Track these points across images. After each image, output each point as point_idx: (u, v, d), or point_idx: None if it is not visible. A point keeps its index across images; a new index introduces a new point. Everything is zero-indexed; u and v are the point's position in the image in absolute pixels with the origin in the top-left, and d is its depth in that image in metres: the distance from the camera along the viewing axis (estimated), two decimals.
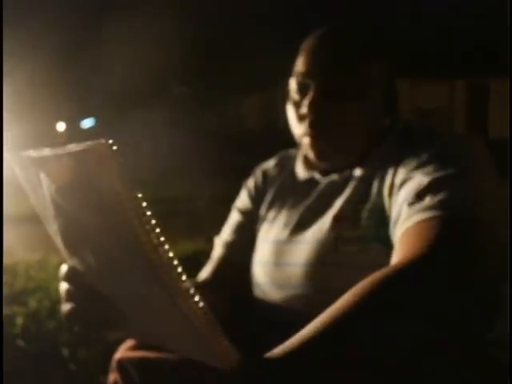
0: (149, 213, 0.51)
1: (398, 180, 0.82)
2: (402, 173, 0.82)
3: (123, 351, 0.83)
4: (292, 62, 0.96)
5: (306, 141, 0.93)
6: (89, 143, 0.50)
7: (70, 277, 0.70)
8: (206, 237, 3.11)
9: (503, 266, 0.68)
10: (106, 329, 0.70)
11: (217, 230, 1.13)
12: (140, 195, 0.51)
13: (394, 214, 0.78)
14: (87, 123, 16.84)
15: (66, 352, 2.05)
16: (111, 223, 0.54)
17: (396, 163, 0.85)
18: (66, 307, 0.71)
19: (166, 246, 0.52)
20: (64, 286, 0.71)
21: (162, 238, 0.52)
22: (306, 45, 0.94)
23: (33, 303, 2.64)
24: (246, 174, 1.14)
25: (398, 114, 0.97)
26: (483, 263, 0.64)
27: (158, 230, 0.52)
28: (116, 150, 0.49)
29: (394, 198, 0.81)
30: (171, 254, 0.53)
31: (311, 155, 0.94)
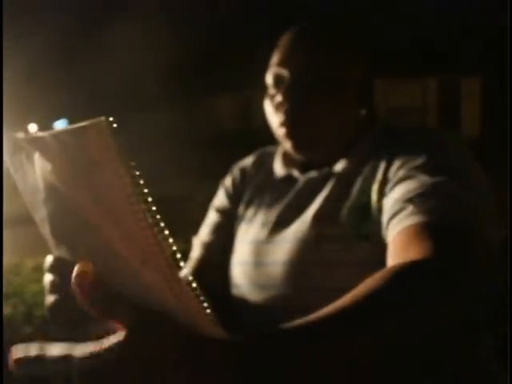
0: (146, 190, 0.51)
1: (392, 176, 0.81)
2: (397, 170, 0.81)
3: None
4: (268, 61, 0.97)
5: (282, 131, 0.93)
6: (88, 121, 0.50)
7: (55, 267, 0.68)
8: (184, 238, 3.09)
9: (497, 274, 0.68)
10: (90, 323, 0.67)
11: (194, 230, 1.12)
12: (138, 173, 0.50)
13: (388, 209, 0.77)
14: (60, 125, 16.62)
15: None
16: (108, 203, 0.53)
17: (385, 159, 0.85)
18: (49, 300, 0.69)
19: (162, 224, 0.51)
20: (48, 278, 0.69)
21: (158, 216, 0.51)
22: (283, 39, 0.95)
23: (8, 309, 2.59)
24: (222, 174, 1.13)
25: (373, 108, 0.98)
26: (479, 269, 0.63)
27: (154, 208, 0.51)
28: (116, 127, 0.49)
29: (388, 194, 0.80)
30: (170, 240, 0.52)
31: (288, 146, 0.94)
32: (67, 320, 0.69)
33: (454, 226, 0.68)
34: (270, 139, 1.00)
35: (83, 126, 0.50)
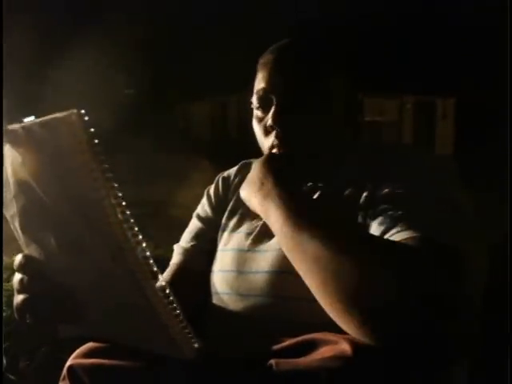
0: (116, 185, 0.50)
1: (378, 195, 0.82)
2: (383, 189, 0.82)
3: (74, 358, 0.79)
4: (245, 69, 0.96)
5: (275, 153, 0.92)
6: (59, 113, 0.49)
7: (24, 266, 0.67)
8: (155, 243, 3.07)
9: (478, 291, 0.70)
10: (59, 323, 0.68)
11: (166, 236, 1.10)
12: (107, 166, 0.50)
13: (373, 226, 0.78)
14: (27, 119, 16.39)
15: (6, 362, 1.95)
16: (79, 196, 0.52)
17: (371, 177, 0.85)
18: (18, 299, 0.68)
19: (132, 221, 0.51)
20: (17, 277, 0.68)
21: (128, 212, 0.51)
22: (265, 60, 0.94)
23: None
24: (197, 181, 1.12)
25: (359, 127, 0.99)
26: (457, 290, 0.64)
27: (124, 204, 0.51)
28: (87, 120, 0.49)
29: (373, 212, 0.81)
30: (138, 235, 0.52)
31: None
32: (36, 319, 0.68)
33: (437, 241, 0.69)
34: (245, 147, 1.00)
35: (54, 118, 0.50)
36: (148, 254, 0.53)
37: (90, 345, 0.79)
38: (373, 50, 14.30)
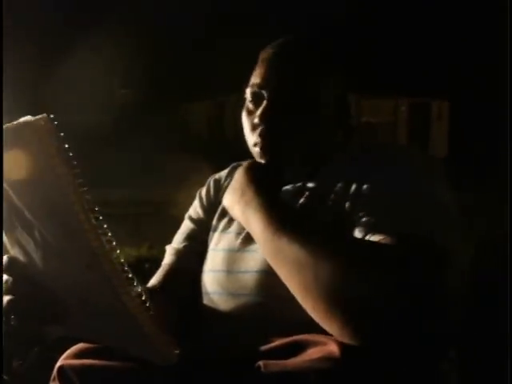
0: (85, 188, 0.50)
1: (365, 193, 0.82)
2: (369, 187, 0.82)
3: (64, 359, 0.80)
4: (243, 70, 0.97)
5: (256, 151, 0.93)
6: (28, 118, 0.49)
7: (10, 267, 0.67)
8: (149, 244, 3.06)
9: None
10: (45, 323, 0.68)
11: (160, 237, 1.11)
12: (78, 171, 0.50)
13: (359, 225, 0.79)
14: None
15: None
16: (51, 202, 0.53)
17: (358, 176, 0.86)
18: (4, 300, 0.68)
19: (105, 226, 0.51)
20: (4, 278, 0.68)
21: (101, 217, 0.51)
22: (263, 56, 0.96)
23: None
24: (192, 181, 1.12)
25: (350, 128, 0.99)
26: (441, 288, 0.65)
27: (96, 208, 0.51)
28: (56, 124, 0.49)
29: (360, 210, 0.81)
30: (112, 241, 0.52)
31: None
32: (19, 320, 0.68)
33: (421, 239, 0.69)
34: (240, 148, 1.00)
35: (23, 123, 0.50)
36: (122, 260, 0.53)
37: (80, 345, 0.79)
38: (368, 51, 14.33)
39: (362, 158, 0.90)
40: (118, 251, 0.52)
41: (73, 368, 0.77)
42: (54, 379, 0.79)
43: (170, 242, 1.09)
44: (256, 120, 0.91)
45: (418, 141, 14.75)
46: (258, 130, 0.91)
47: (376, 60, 14.24)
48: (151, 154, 9.70)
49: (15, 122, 0.51)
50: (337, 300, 0.64)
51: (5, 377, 1.85)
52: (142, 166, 8.92)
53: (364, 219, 0.77)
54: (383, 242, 0.71)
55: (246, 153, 1.02)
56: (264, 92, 0.92)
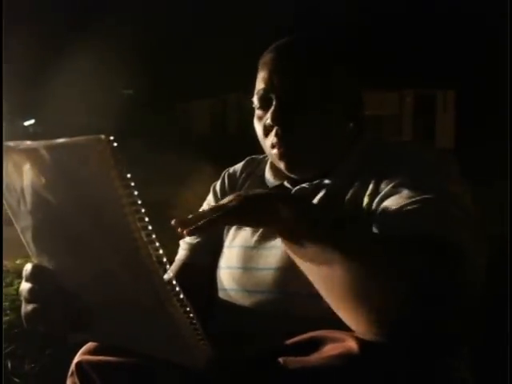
0: (143, 210, 0.52)
1: (383, 190, 0.82)
2: (387, 184, 0.82)
3: (81, 355, 0.81)
4: (245, 67, 0.96)
5: (274, 152, 0.93)
6: (87, 137, 0.50)
7: (35, 275, 0.68)
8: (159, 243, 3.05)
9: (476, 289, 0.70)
10: (70, 331, 0.69)
11: (164, 235, 1.10)
12: (136, 193, 0.51)
13: (377, 222, 0.79)
14: (28, 124, 16.45)
15: (11, 365, 1.95)
16: (102, 219, 0.54)
17: (375, 174, 0.86)
18: (28, 308, 0.69)
19: (157, 244, 0.53)
20: (27, 286, 0.68)
21: (153, 236, 0.53)
22: (265, 59, 0.95)
23: None
24: (195, 180, 1.12)
25: (360, 121, 0.98)
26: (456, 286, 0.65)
27: (150, 228, 0.52)
28: (116, 146, 0.49)
29: (378, 207, 0.81)
30: (161, 252, 0.53)
31: (281, 166, 0.94)
32: (47, 328, 0.69)
33: (438, 238, 0.69)
34: (243, 146, 0.99)
35: (83, 144, 0.50)
36: (165, 260, 0.54)
37: None
38: (373, 43, 14.28)
39: (375, 157, 0.90)
40: (165, 260, 0.54)
41: (91, 364, 0.78)
42: (71, 374, 0.80)
43: (174, 241, 1.08)
44: (268, 121, 0.91)
45: (424, 132, 14.71)
46: (273, 131, 0.91)
47: (380, 52, 14.18)
48: (152, 152, 9.72)
49: (70, 140, 0.51)
50: (364, 298, 0.64)
51: (16, 380, 1.86)
52: (143, 165, 8.93)
53: (383, 217, 0.78)
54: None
55: (247, 150, 1.01)
56: (271, 95, 0.91)
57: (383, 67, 14.02)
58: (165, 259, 0.54)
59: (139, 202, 0.51)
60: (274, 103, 0.91)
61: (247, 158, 1.11)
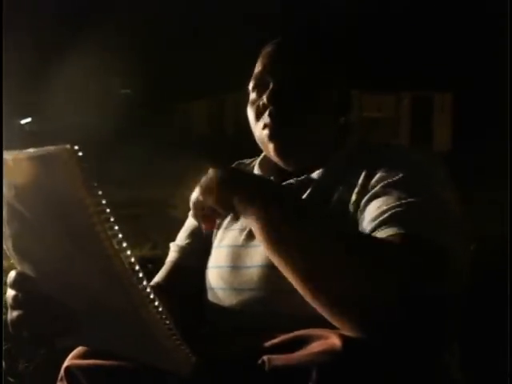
0: (112, 219, 0.51)
1: (370, 190, 0.83)
2: (375, 184, 0.83)
3: (71, 359, 0.81)
4: (245, 69, 0.97)
5: (265, 133, 0.93)
6: (53, 147, 0.50)
7: (18, 283, 0.68)
8: (152, 244, 3.06)
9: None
10: (56, 336, 0.69)
11: (163, 236, 1.10)
12: (104, 201, 0.51)
13: (363, 221, 0.80)
14: (25, 123, 16.47)
15: (5, 364, 1.95)
16: (73, 228, 0.54)
17: (362, 173, 0.86)
18: (13, 315, 0.69)
19: (128, 252, 0.52)
20: (11, 293, 0.69)
21: (125, 244, 0.52)
22: (265, 50, 0.98)
23: None
24: (194, 180, 1.12)
25: (349, 121, 1.00)
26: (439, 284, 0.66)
27: (120, 236, 0.52)
28: (82, 155, 0.49)
29: (365, 206, 0.82)
30: (133, 260, 0.53)
31: (270, 148, 0.94)
32: (32, 334, 0.69)
33: (424, 239, 0.70)
34: (240, 146, 1.00)
35: (49, 155, 0.50)
36: (141, 275, 0.55)
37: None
38: (370, 45, 14.31)
39: (363, 156, 0.90)
40: (138, 267, 0.54)
41: (80, 368, 0.77)
42: (61, 379, 0.80)
43: (171, 241, 1.10)
44: (264, 101, 0.92)
45: (421, 134, 14.74)
46: (267, 111, 0.92)
47: (377, 54, 14.22)
48: (151, 153, 9.72)
49: (37, 151, 0.51)
50: (340, 294, 0.65)
51: (11, 379, 1.86)
52: (141, 166, 8.93)
53: (369, 217, 0.78)
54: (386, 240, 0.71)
55: (246, 150, 1.01)
56: (268, 78, 0.93)
57: (381, 70, 14.04)
58: (137, 267, 0.54)
59: (108, 210, 0.51)
60: (270, 85, 0.92)
61: (236, 162, 1.12)
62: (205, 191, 0.78)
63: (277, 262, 0.72)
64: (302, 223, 0.70)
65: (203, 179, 0.79)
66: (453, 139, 15.07)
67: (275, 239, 0.71)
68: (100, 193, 0.51)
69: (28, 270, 0.67)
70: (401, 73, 14.16)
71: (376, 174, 0.84)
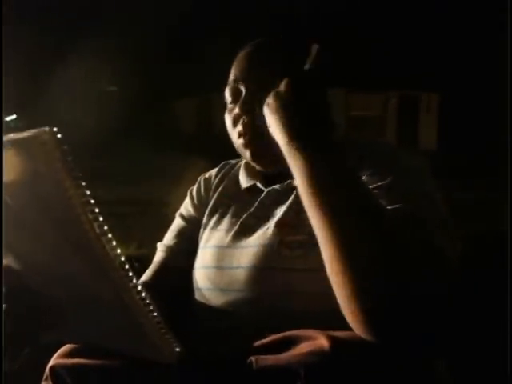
0: (93, 201, 0.51)
1: None
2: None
3: (56, 358, 0.80)
4: (228, 66, 0.97)
5: (240, 142, 0.94)
6: (32, 131, 0.49)
7: (1, 276, 0.67)
8: (138, 243, 3.05)
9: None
10: (42, 329, 0.69)
11: (149, 235, 1.10)
12: (84, 183, 0.50)
13: None
14: (10, 120, 16.34)
15: None
16: (54, 213, 0.53)
17: None
18: None
19: (110, 235, 0.52)
20: None
21: (106, 227, 0.52)
22: (239, 56, 0.98)
23: None
24: (181, 179, 1.12)
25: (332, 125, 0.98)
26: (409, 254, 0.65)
27: (101, 219, 0.51)
28: (60, 137, 0.49)
29: None
30: (114, 244, 0.53)
31: (247, 155, 0.95)
32: (17, 328, 0.68)
33: (421, 241, 0.69)
34: (228, 144, 1.00)
35: (26, 138, 0.49)
36: (125, 264, 0.54)
37: (72, 345, 0.79)
38: (359, 45, 14.35)
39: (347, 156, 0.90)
40: (122, 256, 0.54)
41: (65, 367, 0.77)
42: (46, 379, 0.79)
43: (157, 240, 1.10)
44: (237, 110, 0.93)
45: (407, 134, 14.83)
46: (241, 120, 0.93)
47: (366, 54, 14.27)
48: (138, 152, 9.67)
49: (16, 135, 0.51)
50: (368, 266, 0.62)
51: None
52: (128, 165, 8.89)
53: None
54: None
55: (233, 150, 1.02)
56: (241, 86, 0.93)
57: (369, 69, 14.10)
58: (119, 250, 0.54)
59: (88, 192, 0.51)
60: (243, 94, 0.93)
61: (222, 163, 1.13)
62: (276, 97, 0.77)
63: (310, 206, 0.70)
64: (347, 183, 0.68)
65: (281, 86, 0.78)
66: (438, 138, 15.18)
67: (319, 183, 0.69)
68: (80, 175, 0.50)
69: (12, 263, 0.66)
70: (389, 72, 14.22)
71: (363, 174, 0.84)
